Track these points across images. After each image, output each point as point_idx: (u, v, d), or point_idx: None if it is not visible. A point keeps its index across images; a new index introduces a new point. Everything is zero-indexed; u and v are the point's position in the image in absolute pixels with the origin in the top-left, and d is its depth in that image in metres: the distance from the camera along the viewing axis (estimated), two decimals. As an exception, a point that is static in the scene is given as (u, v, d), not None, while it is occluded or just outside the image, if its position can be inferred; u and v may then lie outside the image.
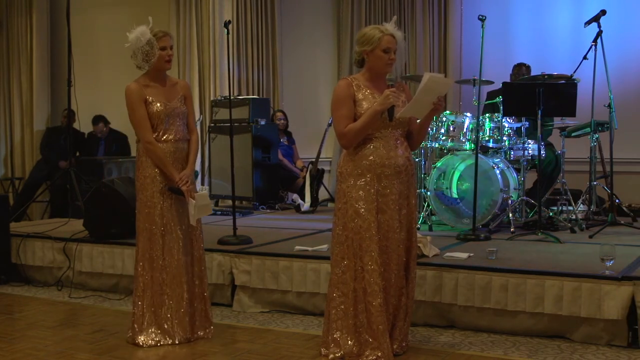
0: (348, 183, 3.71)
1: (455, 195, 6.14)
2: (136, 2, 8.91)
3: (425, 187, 6.13)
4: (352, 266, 3.66)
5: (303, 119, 8.93)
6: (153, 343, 4.08)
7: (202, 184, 8.52)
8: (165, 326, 4.10)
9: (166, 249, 4.10)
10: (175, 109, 4.15)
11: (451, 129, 6.15)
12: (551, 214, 6.01)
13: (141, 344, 4.08)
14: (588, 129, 6.26)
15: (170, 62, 4.14)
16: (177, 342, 4.09)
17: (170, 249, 4.10)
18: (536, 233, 5.43)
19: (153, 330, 4.10)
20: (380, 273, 3.63)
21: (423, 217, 6.11)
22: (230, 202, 7.37)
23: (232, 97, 7.36)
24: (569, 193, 6.14)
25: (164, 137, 4.12)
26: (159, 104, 4.10)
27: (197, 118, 8.46)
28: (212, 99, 8.39)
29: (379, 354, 3.61)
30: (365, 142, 3.71)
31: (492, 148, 6.16)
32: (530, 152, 6.14)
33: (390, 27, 3.72)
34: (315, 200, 7.53)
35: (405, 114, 3.69)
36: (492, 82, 6.50)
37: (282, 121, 8.38)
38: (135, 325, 4.13)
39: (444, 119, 6.16)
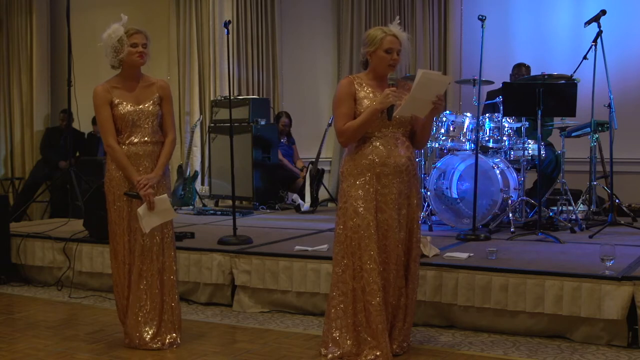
0: (348, 182, 3.71)
1: (455, 195, 6.14)
2: (136, 2, 8.89)
3: (425, 187, 6.13)
4: (351, 265, 3.66)
5: (303, 119, 8.92)
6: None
7: (202, 184, 8.53)
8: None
9: (131, 253, 4.00)
10: (145, 111, 3.99)
11: (451, 129, 6.15)
12: (551, 214, 6.01)
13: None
14: (588, 129, 6.26)
15: (143, 58, 3.97)
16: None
17: (134, 253, 3.99)
18: (536, 233, 5.43)
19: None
20: (379, 272, 3.63)
21: (423, 217, 6.11)
22: (230, 202, 7.36)
23: (232, 97, 7.35)
24: (569, 193, 6.13)
25: (129, 140, 3.98)
26: (126, 106, 3.96)
27: (196, 118, 8.46)
28: (212, 99, 8.39)
29: (378, 353, 3.61)
30: (365, 141, 3.71)
31: (492, 148, 6.15)
32: (530, 152, 6.14)
33: (393, 27, 3.72)
34: (315, 201, 7.53)
35: (402, 112, 3.67)
36: (492, 82, 6.50)
37: (287, 127, 8.38)
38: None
39: (444, 119, 6.16)
